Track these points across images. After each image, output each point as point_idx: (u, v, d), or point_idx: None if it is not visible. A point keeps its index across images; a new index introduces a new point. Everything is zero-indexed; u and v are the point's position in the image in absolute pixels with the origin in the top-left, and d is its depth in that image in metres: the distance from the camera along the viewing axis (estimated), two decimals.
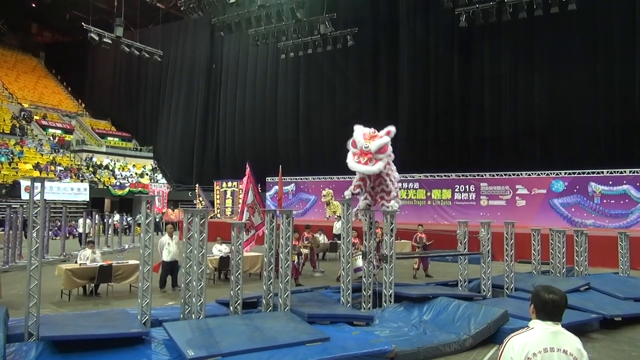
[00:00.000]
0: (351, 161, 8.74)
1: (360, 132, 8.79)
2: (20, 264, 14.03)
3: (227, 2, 22.30)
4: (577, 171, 20.53)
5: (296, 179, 28.25)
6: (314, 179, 27.60)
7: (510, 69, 24.03)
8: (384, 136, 8.68)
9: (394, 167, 9.56)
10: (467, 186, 23.01)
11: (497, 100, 24.30)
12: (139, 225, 21.83)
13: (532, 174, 21.56)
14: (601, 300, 9.02)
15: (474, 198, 22.80)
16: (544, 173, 21.28)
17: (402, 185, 11.43)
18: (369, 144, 8.53)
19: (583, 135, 21.99)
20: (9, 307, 7.53)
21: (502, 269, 10.01)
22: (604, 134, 21.88)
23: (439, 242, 14.55)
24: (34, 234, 6.22)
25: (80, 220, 20.35)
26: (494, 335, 7.21)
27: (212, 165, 35.86)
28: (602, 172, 20.03)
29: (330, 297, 9.03)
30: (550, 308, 2.60)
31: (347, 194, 9.26)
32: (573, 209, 20.39)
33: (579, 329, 7.80)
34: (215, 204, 29.66)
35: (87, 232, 19.38)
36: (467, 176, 23.11)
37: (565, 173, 20.80)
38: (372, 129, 8.94)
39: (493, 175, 22.49)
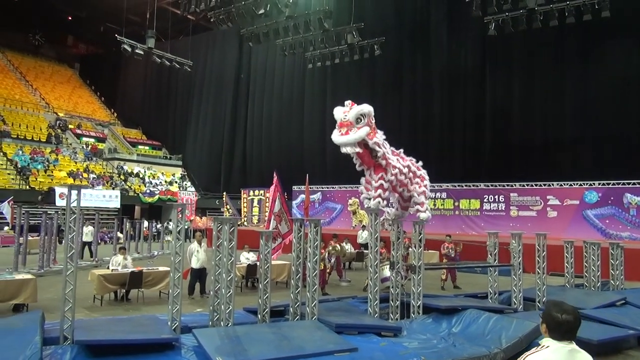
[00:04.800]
0: (334, 135, 8.88)
1: (339, 109, 9.11)
2: (55, 268, 14.45)
3: (255, 13, 22.57)
4: (612, 182, 19.96)
5: (322, 188, 28.29)
6: (340, 188, 27.57)
7: (540, 76, 23.59)
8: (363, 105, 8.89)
9: (424, 173, 9.59)
10: (496, 196, 22.61)
11: (527, 108, 23.84)
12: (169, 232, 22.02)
13: (564, 184, 21.03)
14: (638, 316, 8.71)
15: (503, 208, 22.37)
16: (577, 183, 20.73)
17: (430, 195, 11.33)
18: (347, 114, 8.78)
19: (616, 143, 21.31)
20: (44, 310, 7.75)
21: (533, 282, 9.78)
22: (637, 142, 21.20)
23: (467, 253, 14.33)
24: (70, 240, 6.39)
25: (84, 228, 18.11)
26: (526, 350, 7.01)
27: (239, 174, 36.21)
28: (638, 183, 19.43)
29: (357, 307, 8.98)
30: (565, 329, 2.54)
31: (373, 203, 9.24)
32: (607, 221, 19.80)
33: (614, 345, 7.57)
34: (242, 212, 29.94)
35: (90, 240, 18.10)
36: (496, 186, 22.71)
37: (599, 184, 20.24)
38: (349, 101, 9.09)
39: (523, 186, 22.04)
